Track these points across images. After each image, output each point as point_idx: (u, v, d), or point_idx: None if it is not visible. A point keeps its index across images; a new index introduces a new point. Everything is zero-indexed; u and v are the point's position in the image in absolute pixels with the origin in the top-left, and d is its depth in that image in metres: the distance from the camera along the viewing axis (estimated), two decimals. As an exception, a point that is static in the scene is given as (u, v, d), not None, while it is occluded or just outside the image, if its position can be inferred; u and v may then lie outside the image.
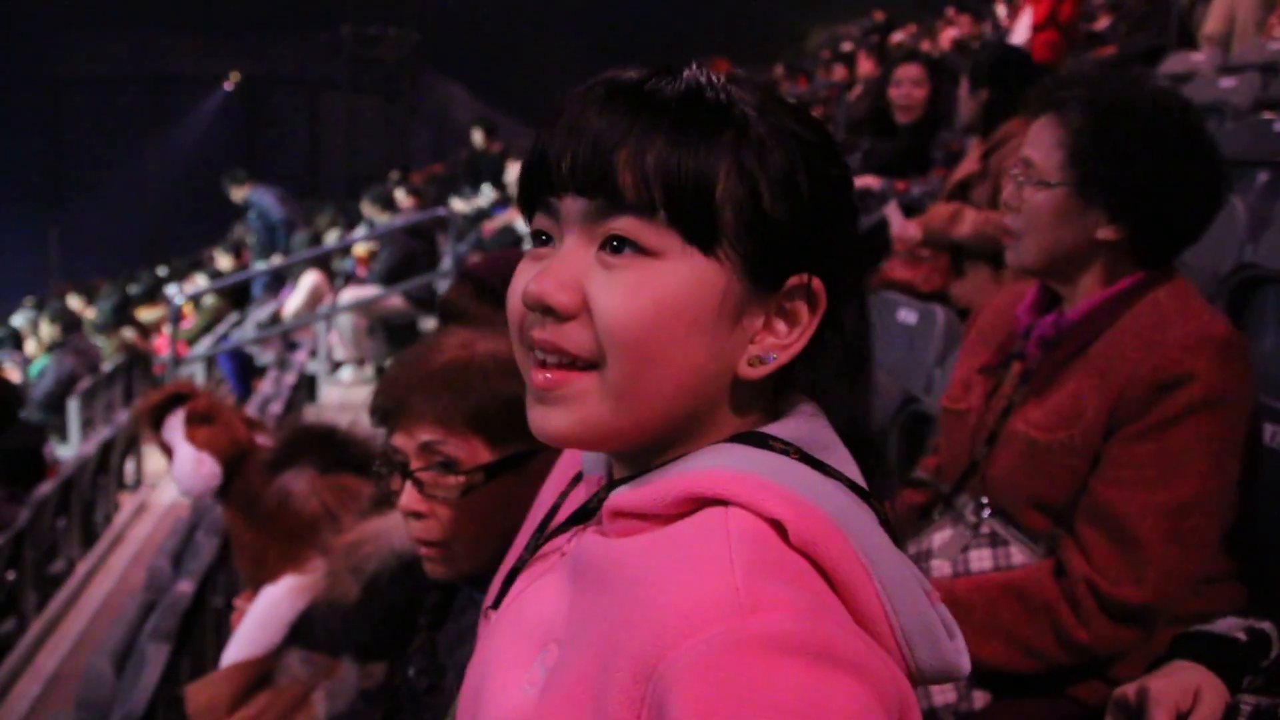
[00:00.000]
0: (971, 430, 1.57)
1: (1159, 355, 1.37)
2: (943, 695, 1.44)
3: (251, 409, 5.12)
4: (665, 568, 0.65)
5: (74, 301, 10.79)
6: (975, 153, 3.23)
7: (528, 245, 0.76)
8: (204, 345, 7.67)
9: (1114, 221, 1.44)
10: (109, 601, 4.58)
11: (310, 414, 5.80)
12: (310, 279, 7.31)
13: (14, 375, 8.27)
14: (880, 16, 11.04)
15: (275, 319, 7.40)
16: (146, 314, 9.50)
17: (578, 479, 0.84)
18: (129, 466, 6.42)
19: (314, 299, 7.23)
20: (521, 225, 7.35)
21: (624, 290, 0.68)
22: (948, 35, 9.61)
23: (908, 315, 2.81)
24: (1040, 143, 1.49)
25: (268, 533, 2.10)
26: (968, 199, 3.13)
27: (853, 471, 0.72)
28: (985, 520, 1.51)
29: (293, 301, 7.31)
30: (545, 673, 0.68)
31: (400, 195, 7.95)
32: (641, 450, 0.72)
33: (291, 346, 7.04)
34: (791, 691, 0.58)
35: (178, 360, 6.27)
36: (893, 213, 3.32)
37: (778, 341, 0.71)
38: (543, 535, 0.80)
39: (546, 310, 0.69)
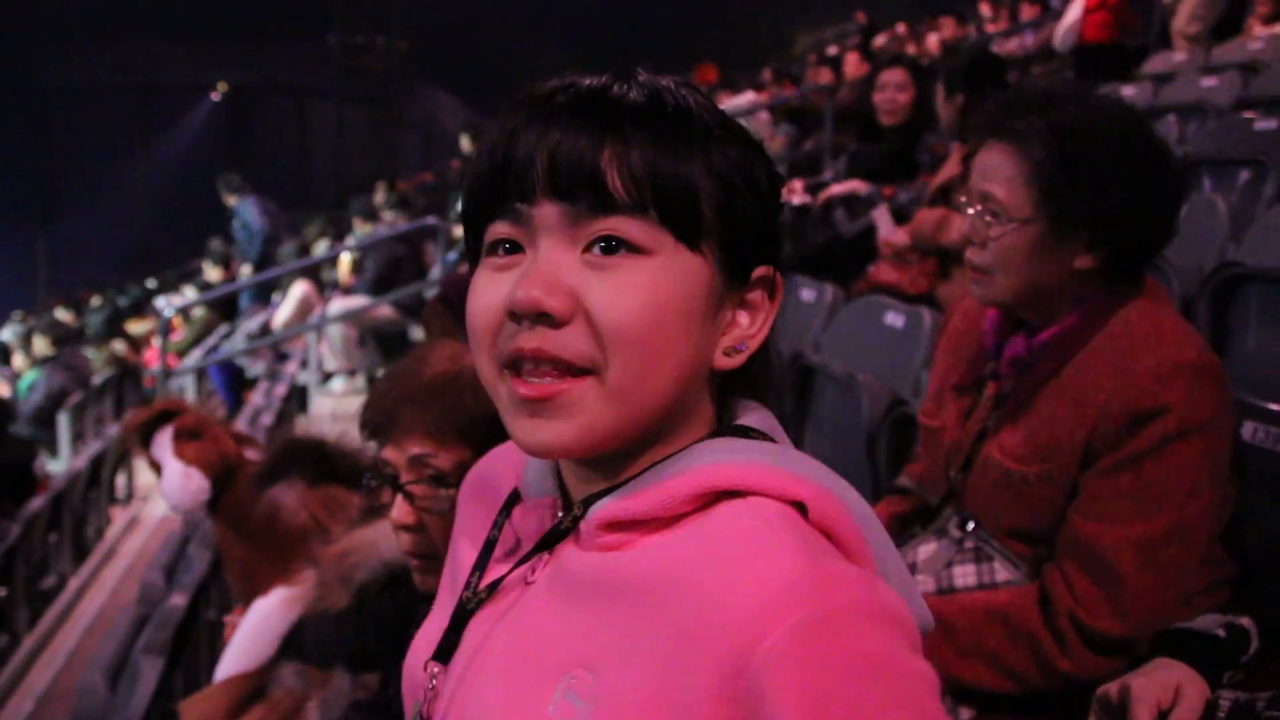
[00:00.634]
0: (946, 451, 1.55)
1: (1132, 386, 1.35)
2: None
3: (243, 420, 5.11)
4: (715, 565, 0.65)
5: (62, 314, 10.74)
6: (956, 156, 3.25)
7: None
8: (194, 357, 7.63)
9: (1091, 250, 1.40)
10: (101, 616, 4.57)
11: (302, 425, 5.79)
12: (300, 289, 7.29)
13: (3, 390, 8.24)
14: (862, 18, 11.07)
15: (265, 330, 7.38)
16: (136, 326, 9.48)
17: (507, 508, 0.81)
18: (120, 480, 6.40)
19: (304, 309, 7.20)
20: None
21: (625, 289, 0.68)
22: (933, 39, 9.66)
23: (895, 318, 2.82)
24: (999, 176, 1.42)
25: (258, 546, 2.11)
26: (949, 203, 3.15)
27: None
28: (969, 535, 1.51)
29: (282, 312, 7.28)
30: (583, 701, 0.66)
31: (388, 216, 7.90)
32: (623, 452, 0.72)
33: (282, 358, 7.03)
34: (880, 655, 0.62)
35: (168, 373, 6.25)
36: (881, 217, 3.34)
37: (744, 331, 0.74)
38: (489, 571, 0.78)
39: (539, 318, 0.67)
